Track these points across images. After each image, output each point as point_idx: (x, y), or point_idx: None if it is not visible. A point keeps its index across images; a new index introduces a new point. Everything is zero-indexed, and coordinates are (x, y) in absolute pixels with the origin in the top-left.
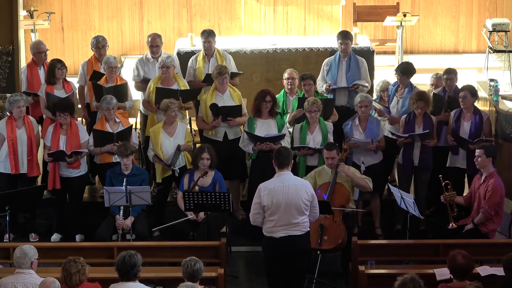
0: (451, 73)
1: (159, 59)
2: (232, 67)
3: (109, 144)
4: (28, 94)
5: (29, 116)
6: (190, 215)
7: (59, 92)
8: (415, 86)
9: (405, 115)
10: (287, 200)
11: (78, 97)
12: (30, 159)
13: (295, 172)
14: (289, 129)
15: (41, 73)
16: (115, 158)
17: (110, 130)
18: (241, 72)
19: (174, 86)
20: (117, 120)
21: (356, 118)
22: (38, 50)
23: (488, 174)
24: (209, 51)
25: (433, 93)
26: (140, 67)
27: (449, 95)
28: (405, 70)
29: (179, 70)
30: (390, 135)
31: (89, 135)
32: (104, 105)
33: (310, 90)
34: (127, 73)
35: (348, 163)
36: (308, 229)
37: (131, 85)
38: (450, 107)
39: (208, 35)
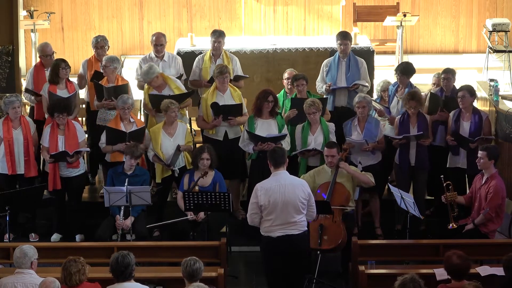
0: (449, 73)
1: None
2: (238, 69)
3: (120, 143)
4: (32, 94)
5: (26, 117)
6: (190, 215)
7: (62, 92)
8: (415, 86)
9: (399, 116)
10: (284, 199)
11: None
12: (27, 160)
13: (296, 172)
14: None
15: (48, 75)
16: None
17: (124, 130)
18: (247, 75)
19: (165, 90)
20: (132, 120)
21: (356, 118)
22: (43, 53)
23: (490, 176)
24: (217, 52)
25: (431, 92)
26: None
27: (446, 95)
28: (405, 70)
29: (182, 70)
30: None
31: (88, 134)
32: (119, 104)
33: (303, 91)
34: (127, 73)
35: (346, 162)
36: (306, 228)
37: (134, 84)
38: (446, 107)
39: (219, 35)
